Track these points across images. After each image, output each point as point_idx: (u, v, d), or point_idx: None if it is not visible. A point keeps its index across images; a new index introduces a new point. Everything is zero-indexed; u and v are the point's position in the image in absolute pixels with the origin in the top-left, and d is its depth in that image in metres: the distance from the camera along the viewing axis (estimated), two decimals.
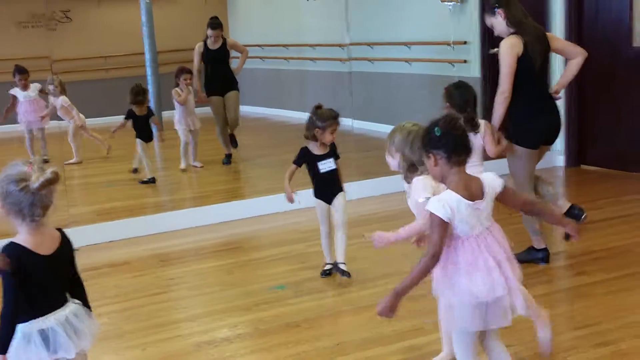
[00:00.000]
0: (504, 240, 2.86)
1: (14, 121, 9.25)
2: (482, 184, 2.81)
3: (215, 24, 8.35)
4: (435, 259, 2.75)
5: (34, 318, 2.65)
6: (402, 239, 3.37)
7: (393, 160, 3.44)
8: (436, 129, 2.76)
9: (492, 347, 3.01)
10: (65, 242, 2.75)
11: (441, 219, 2.71)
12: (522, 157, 4.80)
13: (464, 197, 2.74)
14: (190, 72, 8.37)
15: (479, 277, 2.76)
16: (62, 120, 8.88)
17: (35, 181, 2.58)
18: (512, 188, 2.94)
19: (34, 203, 2.59)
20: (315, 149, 4.79)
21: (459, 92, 4.51)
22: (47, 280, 2.67)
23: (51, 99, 8.88)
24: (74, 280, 2.82)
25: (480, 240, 2.78)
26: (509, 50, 4.64)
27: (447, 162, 2.76)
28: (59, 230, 2.76)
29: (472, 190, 2.77)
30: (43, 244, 2.65)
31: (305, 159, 4.80)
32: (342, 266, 4.81)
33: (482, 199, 2.78)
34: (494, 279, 2.77)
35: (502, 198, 2.86)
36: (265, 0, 12.77)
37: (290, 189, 4.77)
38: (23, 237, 2.64)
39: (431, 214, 2.73)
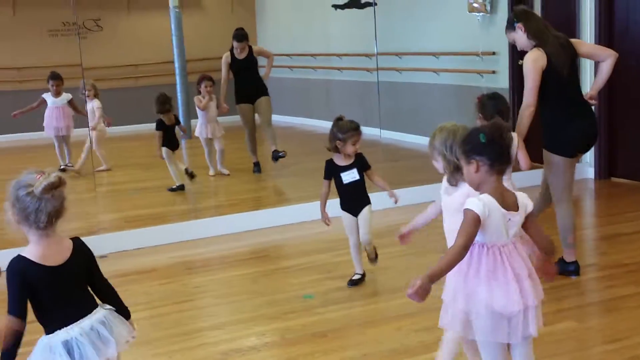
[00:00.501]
0: (527, 258, 2.83)
1: (40, 129, 9.36)
2: (516, 198, 2.79)
3: (240, 35, 8.40)
4: (465, 250, 2.72)
5: (58, 329, 2.66)
6: (420, 225, 3.50)
7: (438, 164, 3.31)
8: (481, 135, 2.73)
9: None
10: (78, 252, 2.74)
11: (477, 215, 2.69)
12: (560, 167, 4.77)
13: (499, 204, 2.73)
14: (211, 79, 8.43)
15: (497, 287, 2.74)
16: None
17: (39, 185, 2.60)
18: (534, 218, 2.90)
19: (39, 209, 2.60)
20: (340, 160, 4.80)
21: (492, 103, 4.45)
22: (61, 291, 2.66)
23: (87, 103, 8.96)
24: (103, 287, 2.83)
25: (503, 251, 2.76)
26: (533, 64, 4.63)
27: (488, 170, 2.74)
28: (74, 239, 2.76)
29: (507, 201, 2.76)
30: (51, 255, 2.65)
31: (331, 171, 4.82)
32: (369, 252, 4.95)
33: (516, 211, 2.77)
34: (511, 293, 2.74)
35: (525, 221, 2.83)
36: (293, 9, 12.82)
37: (327, 213, 4.83)
38: (30, 247, 2.66)
39: (467, 210, 2.71)
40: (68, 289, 2.69)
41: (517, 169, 4.67)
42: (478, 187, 2.81)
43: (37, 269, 2.61)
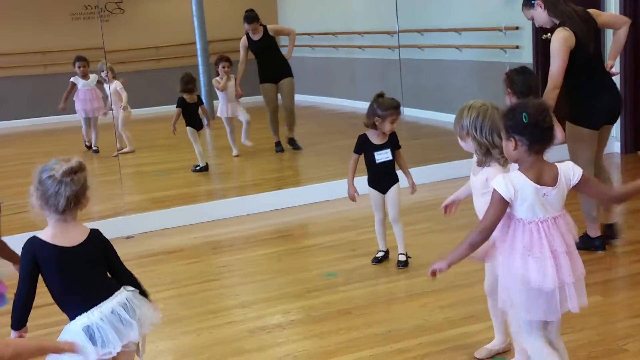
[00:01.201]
0: (569, 233, 2.80)
1: (70, 111, 9.43)
2: (557, 171, 2.76)
3: (249, 17, 8.37)
4: (483, 234, 2.75)
5: (79, 314, 2.70)
6: (463, 196, 3.49)
7: (465, 144, 3.24)
8: (524, 114, 2.69)
9: (554, 344, 2.94)
10: (93, 239, 2.77)
11: (501, 196, 2.70)
12: (584, 139, 4.73)
13: (532, 181, 2.71)
14: (228, 59, 8.45)
15: (533, 263, 2.74)
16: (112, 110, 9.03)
17: (59, 169, 2.66)
18: (591, 177, 2.87)
19: (59, 192, 2.65)
20: (374, 137, 4.78)
21: (521, 78, 4.36)
22: (75, 273, 2.70)
23: (106, 86, 9.03)
24: (122, 274, 2.85)
25: (541, 227, 2.74)
26: (563, 43, 4.57)
27: (527, 150, 2.72)
28: (92, 230, 2.80)
29: (544, 177, 2.74)
30: (64, 237, 2.70)
31: (364, 146, 4.80)
32: (400, 257, 4.85)
33: (553, 186, 2.74)
34: (546, 269, 2.73)
35: (580, 187, 2.81)
36: None
37: (354, 187, 4.80)
38: (46, 230, 2.72)
39: (494, 189, 2.74)
40: (83, 272, 2.72)
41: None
42: (516, 162, 2.80)
43: (49, 248, 2.67)
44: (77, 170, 2.68)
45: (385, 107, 4.67)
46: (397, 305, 4.35)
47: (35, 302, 2.73)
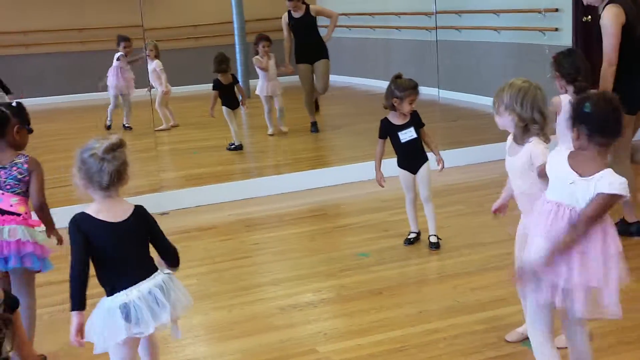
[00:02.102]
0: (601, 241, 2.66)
1: (91, 90, 9.56)
2: (598, 171, 2.61)
3: None
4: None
5: (117, 291, 2.74)
6: (508, 198, 3.39)
7: (501, 119, 3.19)
8: (587, 104, 2.65)
9: (570, 333, 2.92)
10: (138, 215, 2.82)
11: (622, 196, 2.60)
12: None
13: (572, 169, 2.65)
14: (268, 39, 8.48)
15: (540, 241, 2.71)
16: (152, 87, 9.12)
17: (100, 147, 2.72)
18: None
19: (102, 169, 2.72)
20: (395, 118, 4.78)
21: (569, 60, 4.28)
22: (120, 249, 2.76)
23: (148, 62, 9.14)
24: (166, 248, 2.90)
25: (559, 210, 2.68)
26: (615, 20, 4.51)
27: (587, 140, 2.65)
28: (137, 206, 2.85)
29: (586, 168, 2.64)
30: (109, 212, 2.76)
31: (387, 129, 4.80)
32: (432, 238, 4.85)
33: (584, 177, 2.62)
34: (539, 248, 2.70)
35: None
36: None
37: (381, 172, 4.81)
38: (93, 205, 2.78)
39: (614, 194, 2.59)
40: (127, 248, 2.78)
41: None
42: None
43: (96, 223, 2.73)
44: (117, 147, 2.75)
45: (402, 87, 4.66)
46: (428, 286, 4.36)
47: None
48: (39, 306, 3.72)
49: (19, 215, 3.45)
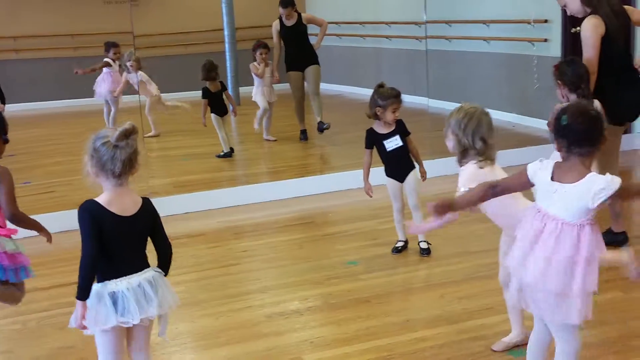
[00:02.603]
0: (578, 245, 2.65)
1: (82, 95, 9.54)
2: (583, 177, 2.63)
3: (286, 1, 8.40)
4: (495, 190, 2.83)
5: (108, 279, 2.77)
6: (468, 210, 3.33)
7: (448, 142, 3.34)
8: (564, 117, 2.69)
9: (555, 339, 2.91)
10: (146, 210, 2.85)
11: (525, 170, 2.74)
12: (608, 135, 4.68)
13: (551, 176, 2.69)
14: (266, 46, 8.51)
15: (518, 250, 2.74)
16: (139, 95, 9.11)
17: (113, 134, 2.73)
18: (628, 186, 2.75)
19: (115, 156, 2.73)
20: (381, 127, 4.80)
21: (571, 69, 4.32)
22: (122, 243, 2.78)
23: (124, 74, 9.12)
24: (163, 245, 2.92)
25: (540, 218, 2.70)
26: (593, 30, 4.54)
27: (567, 151, 2.68)
28: (144, 198, 2.87)
29: (566, 176, 2.67)
30: (121, 206, 2.77)
31: (373, 139, 4.82)
32: (422, 244, 4.86)
33: (567, 183, 2.64)
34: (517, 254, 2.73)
35: (621, 196, 2.67)
36: None
37: (369, 183, 4.83)
38: (103, 195, 2.78)
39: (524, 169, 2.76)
40: (129, 242, 2.81)
41: None
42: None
43: (107, 214, 2.73)
44: (130, 133, 2.76)
45: (385, 96, 4.68)
46: (416, 295, 4.37)
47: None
48: (26, 312, 3.71)
49: None
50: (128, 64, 8.90)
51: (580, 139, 2.67)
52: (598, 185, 2.58)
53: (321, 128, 8.60)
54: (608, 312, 3.78)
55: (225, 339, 3.85)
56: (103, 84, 9.40)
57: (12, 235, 3.43)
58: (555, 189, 2.67)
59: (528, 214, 2.77)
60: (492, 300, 4.01)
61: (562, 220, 2.65)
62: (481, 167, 3.22)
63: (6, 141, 3.54)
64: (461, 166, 3.30)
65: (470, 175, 3.19)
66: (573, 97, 4.31)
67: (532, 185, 2.76)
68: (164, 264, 2.93)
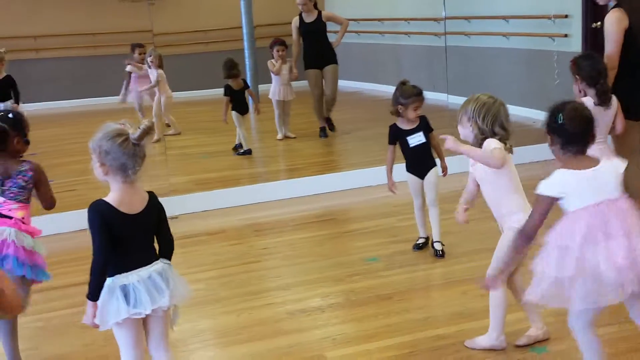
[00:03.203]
0: (630, 217, 2.74)
1: (101, 94, 9.52)
2: (597, 161, 2.78)
3: None
4: (530, 235, 2.83)
5: (118, 273, 2.79)
6: (469, 202, 3.67)
7: (463, 129, 3.43)
8: (560, 115, 2.77)
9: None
10: (152, 204, 2.86)
11: (546, 196, 2.76)
12: (626, 129, 4.66)
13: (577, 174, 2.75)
14: (283, 43, 8.49)
15: (591, 251, 2.71)
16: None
17: (135, 132, 2.73)
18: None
19: (136, 154, 2.75)
20: (404, 124, 4.78)
21: (589, 64, 4.30)
22: (131, 239, 2.80)
23: (149, 71, 9.15)
24: (165, 239, 2.93)
25: (596, 210, 2.72)
26: (617, 24, 4.51)
27: (560, 149, 2.80)
28: (150, 193, 2.88)
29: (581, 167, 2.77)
30: (129, 204, 2.78)
31: (396, 135, 4.81)
32: (436, 245, 4.83)
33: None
34: (599, 255, 2.69)
35: None
36: None
37: (393, 179, 4.83)
38: (112, 195, 2.78)
39: (538, 193, 2.78)
40: (137, 238, 2.83)
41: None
42: (558, 159, 2.85)
43: (115, 214, 2.75)
44: (150, 131, 2.78)
45: (407, 94, 4.67)
46: (437, 292, 4.36)
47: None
48: (48, 310, 3.75)
49: (10, 218, 3.45)
50: (149, 59, 8.93)
51: (574, 139, 2.78)
52: (619, 163, 2.79)
53: (331, 126, 8.65)
54: (614, 313, 3.74)
55: (246, 336, 3.86)
56: (134, 89, 9.42)
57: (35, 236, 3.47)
58: (593, 175, 2.73)
59: (576, 217, 2.73)
60: (514, 298, 3.98)
61: (608, 199, 2.73)
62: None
63: (27, 142, 3.57)
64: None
65: (496, 142, 3.28)
66: (591, 92, 4.28)
67: (559, 199, 2.77)
68: (167, 251, 2.94)
